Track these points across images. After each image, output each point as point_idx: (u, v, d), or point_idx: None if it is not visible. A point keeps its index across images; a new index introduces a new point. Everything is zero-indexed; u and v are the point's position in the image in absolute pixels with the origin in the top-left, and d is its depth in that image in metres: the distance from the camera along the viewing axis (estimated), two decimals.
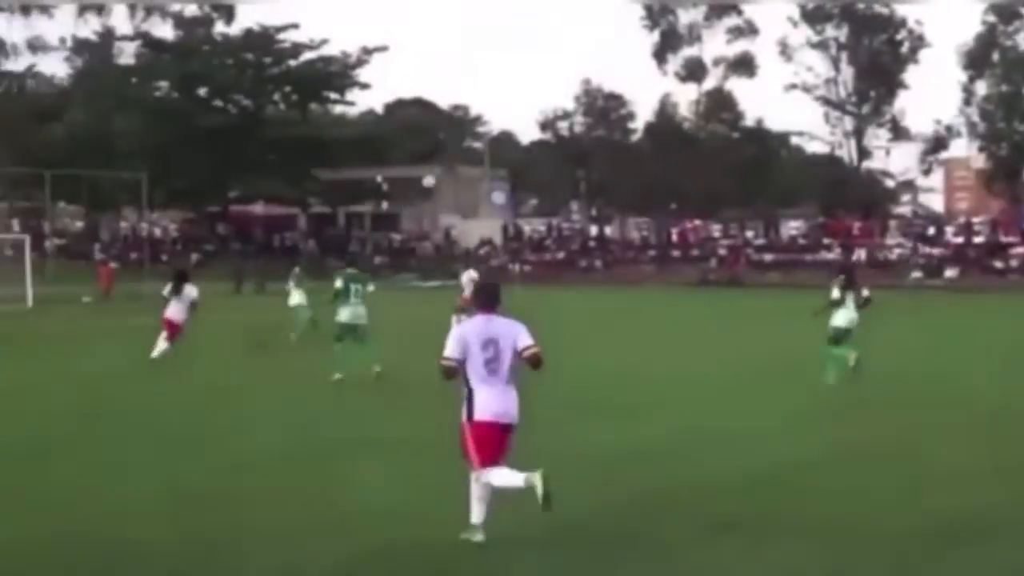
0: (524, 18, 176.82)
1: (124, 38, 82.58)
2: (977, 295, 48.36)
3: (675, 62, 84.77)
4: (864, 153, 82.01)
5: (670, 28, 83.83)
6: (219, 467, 11.78)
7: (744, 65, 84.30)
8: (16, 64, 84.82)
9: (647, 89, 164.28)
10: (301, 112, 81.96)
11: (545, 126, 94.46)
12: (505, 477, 8.69)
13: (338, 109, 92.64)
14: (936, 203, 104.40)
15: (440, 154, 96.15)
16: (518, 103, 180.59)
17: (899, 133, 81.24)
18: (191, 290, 21.44)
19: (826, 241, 67.04)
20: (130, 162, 69.32)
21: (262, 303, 41.69)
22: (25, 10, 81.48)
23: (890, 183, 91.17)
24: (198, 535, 9.04)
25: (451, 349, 8.91)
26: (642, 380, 19.67)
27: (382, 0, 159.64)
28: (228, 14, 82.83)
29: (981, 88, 75.46)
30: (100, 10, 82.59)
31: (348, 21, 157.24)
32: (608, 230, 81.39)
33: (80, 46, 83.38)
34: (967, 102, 76.07)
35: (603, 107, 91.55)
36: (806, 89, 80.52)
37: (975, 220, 68.85)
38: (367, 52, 78.48)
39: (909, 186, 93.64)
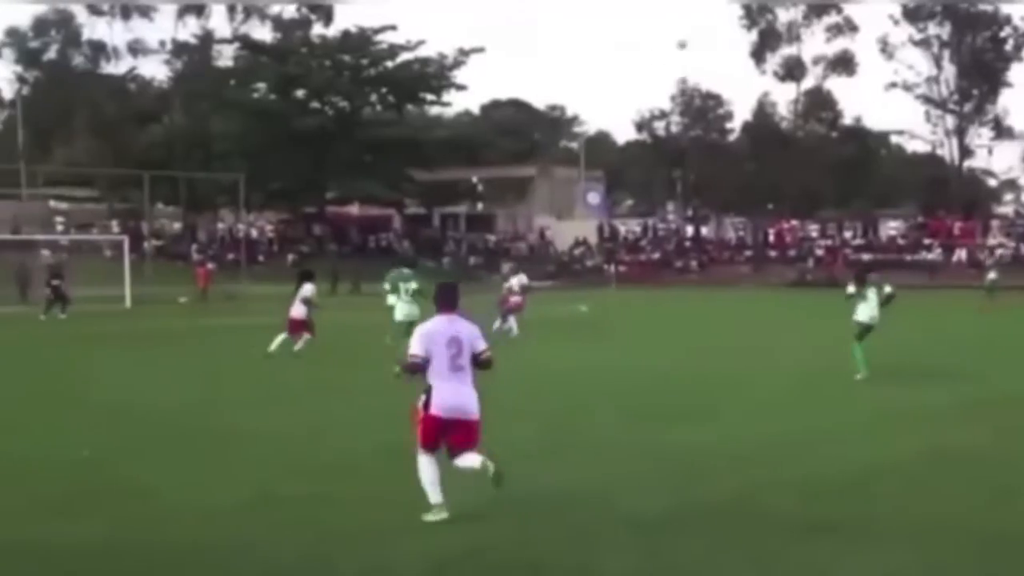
0: (622, 18, 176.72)
1: (223, 41, 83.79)
2: None
3: (773, 61, 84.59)
4: (966, 152, 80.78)
5: (769, 27, 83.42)
6: (310, 468, 11.83)
7: (843, 63, 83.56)
8: (117, 67, 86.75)
9: (745, 89, 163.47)
10: (397, 113, 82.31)
11: (641, 126, 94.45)
12: (470, 460, 9.33)
13: (434, 110, 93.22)
14: None
15: (536, 155, 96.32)
16: (615, 103, 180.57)
17: (1002, 132, 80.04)
18: (305, 289, 23.39)
19: (926, 241, 66.06)
20: (228, 163, 70.44)
21: (358, 303, 42.01)
22: (126, 14, 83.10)
23: (992, 182, 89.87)
24: (289, 536, 9.08)
25: (417, 347, 9.47)
26: (734, 382, 19.52)
27: (480, 2, 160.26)
28: (326, 16, 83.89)
29: None
30: (199, 13, 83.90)
31: (445, 22, 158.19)
32: (704, 230, 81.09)
33: (180, 49, 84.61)
34: None
35: (700, 107, 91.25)
36: (907, 87, 79.77)
37: None
38: (464, 53, 78.78)
39: (1012, 185, 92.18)
